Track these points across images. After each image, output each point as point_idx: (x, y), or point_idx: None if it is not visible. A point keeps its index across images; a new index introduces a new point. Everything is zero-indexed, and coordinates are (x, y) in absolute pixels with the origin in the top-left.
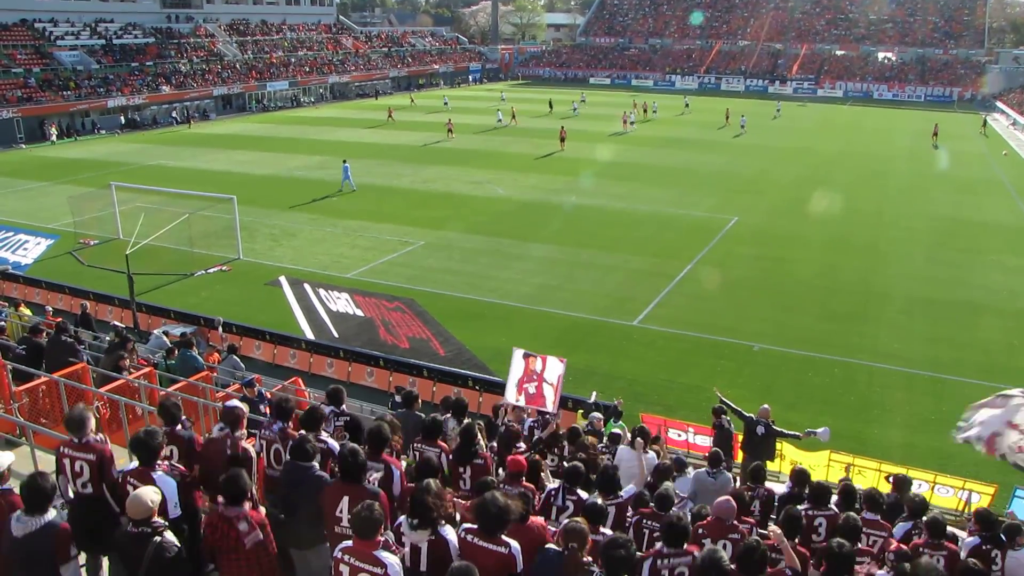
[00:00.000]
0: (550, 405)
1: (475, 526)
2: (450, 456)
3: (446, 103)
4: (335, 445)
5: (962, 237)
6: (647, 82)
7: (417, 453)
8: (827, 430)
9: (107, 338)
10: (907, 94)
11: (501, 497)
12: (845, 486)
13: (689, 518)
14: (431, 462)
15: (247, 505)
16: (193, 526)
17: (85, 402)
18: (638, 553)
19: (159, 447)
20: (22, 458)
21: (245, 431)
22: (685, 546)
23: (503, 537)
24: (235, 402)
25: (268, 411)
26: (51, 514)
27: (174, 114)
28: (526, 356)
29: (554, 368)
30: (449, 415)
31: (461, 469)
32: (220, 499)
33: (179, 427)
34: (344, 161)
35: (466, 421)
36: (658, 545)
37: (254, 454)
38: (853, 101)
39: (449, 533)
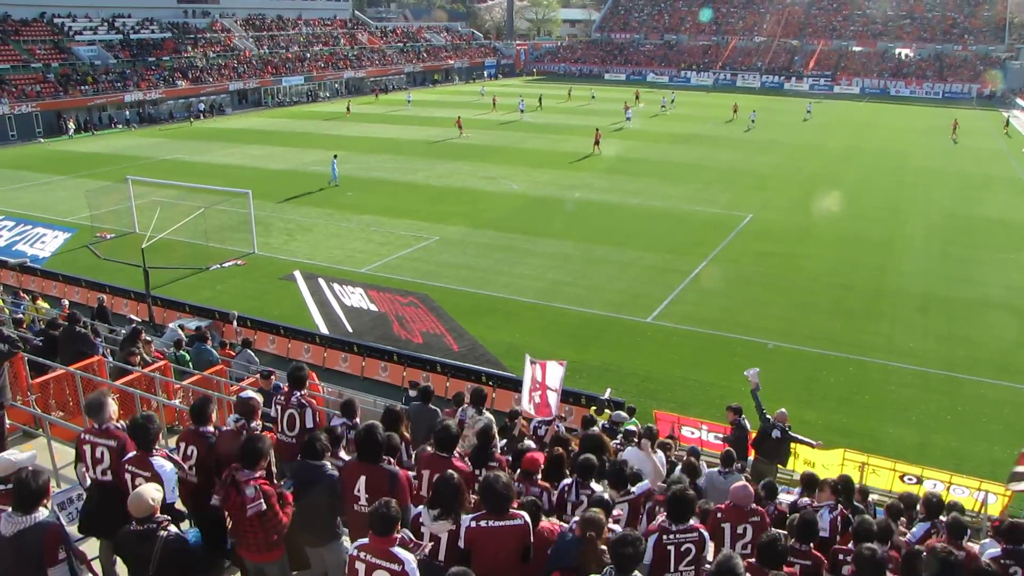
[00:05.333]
0: (555, 411)
1: (483, 511)
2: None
3: (409, 100)
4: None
5: (978, 234)
6: (662, 78)
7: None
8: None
9: (123, 331)
10: (925, 91)
11: (502, 474)
12: (842, 477)
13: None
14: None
15: (260, 473)
16: (213, 525)
17: None
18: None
19: (157, 432)
20: (39, 450)
21: (260, 422)
22: (692, 522)
23: (511, 511)
24: (250, 392)
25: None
26: (42, 513)
27: (201, 106)
28: (532, 363)
29: (555, 372)
30: (467, 404)
31: (477, 472)
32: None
33: (209, 427)
34: (335, 156)
35: (481, 424)
36: (659, 519)
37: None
38: (870, 98)
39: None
